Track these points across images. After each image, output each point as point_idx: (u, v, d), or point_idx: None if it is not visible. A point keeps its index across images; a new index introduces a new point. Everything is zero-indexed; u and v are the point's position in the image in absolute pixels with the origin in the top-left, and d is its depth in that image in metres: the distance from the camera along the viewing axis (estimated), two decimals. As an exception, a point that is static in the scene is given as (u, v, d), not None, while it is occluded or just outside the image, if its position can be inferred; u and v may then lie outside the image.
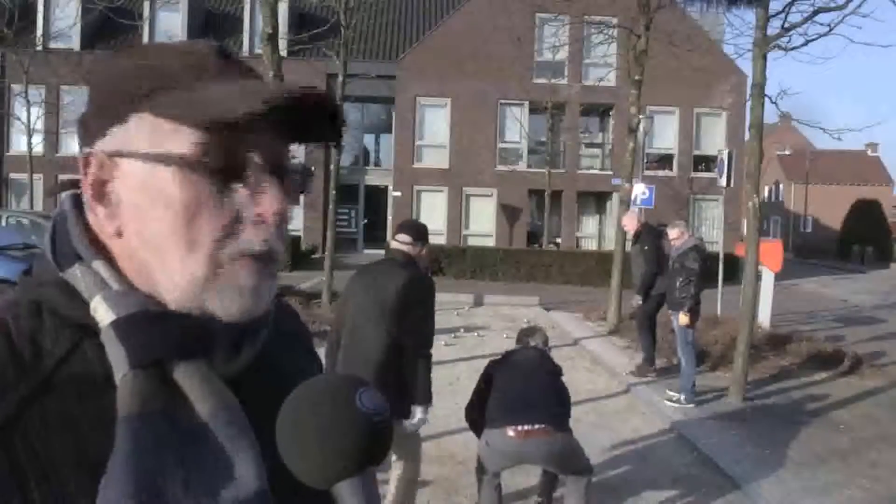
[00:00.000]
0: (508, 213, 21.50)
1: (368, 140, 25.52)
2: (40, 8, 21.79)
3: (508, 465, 3.56)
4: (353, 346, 3.32)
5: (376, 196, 23.59)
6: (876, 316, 13.85)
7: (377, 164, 24.81)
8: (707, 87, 20.15)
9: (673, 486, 4.77)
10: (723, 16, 10.89)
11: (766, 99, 6.98)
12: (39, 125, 18.34)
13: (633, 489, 4.68)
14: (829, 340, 9.60)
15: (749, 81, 7.64)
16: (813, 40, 7.13)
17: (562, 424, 3.51)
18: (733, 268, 14.38)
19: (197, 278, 0.61)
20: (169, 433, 0.57)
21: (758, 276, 7.44)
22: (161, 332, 0.60)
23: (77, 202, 0.68)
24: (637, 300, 7.89)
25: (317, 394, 0.58)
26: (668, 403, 6.62)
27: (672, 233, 7.11)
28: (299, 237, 21.18)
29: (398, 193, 21.52)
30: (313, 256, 20.55)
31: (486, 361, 3.97)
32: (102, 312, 0.60)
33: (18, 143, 20.81)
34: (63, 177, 20.92)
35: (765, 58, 6.80)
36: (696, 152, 21.92)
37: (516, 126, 21.35)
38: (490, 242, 20.82)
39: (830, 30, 7.08)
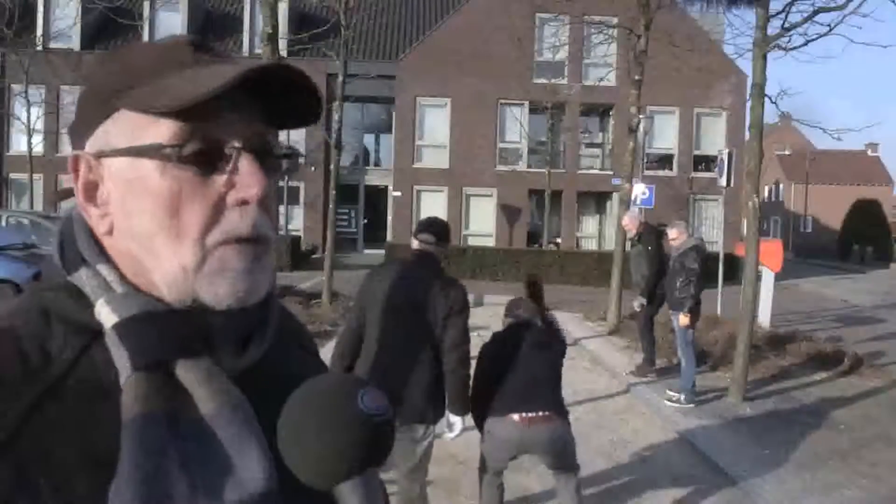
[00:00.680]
0: (508, 213, 21.50)
1: (368, 140, 25.52)
2: (40, 8, 21.79)
3: (512, 454, 3.50)
4: (385, 352, 3.19)
5: (376, 196, 23.60)
6: (876, 316, 13.85)
7: (377, 164, 24.81)
8: (707, 87, 20.15)
9: (673, 486, 4.77)
10: (723, 16, 10.89)
11: (766, 99, 6.97)
12: (39, 125, 18.32)
13: (633, 489, 4.68)
14: (829, 340, 9.59)
15: (749, 81, 7.64)
16: (813, 40, 7.13)
17: (563, 410, 3.50)
18: (733, 268, 14.38)
19: (186, 268, 0.61)
20: (174, 434, 0.57)
21: (758, 276, 7.43)
22: (163, 332, 0.60)
23: None
24: (639, 301, 7.82)
25: (318, 394, 0.58)
26: (668, 403, 6.61)
27: (671, 233, 7.11)
28: (299, 237, 21.18)
29: (398, 193, 21.52)
30: (313, 256, 20.55)
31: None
32: (106, 315, 0.61)
33: (18, 143, 20.81)
34: (63, 178, 20.87)
35: (765, 58, 6.80)
36: (696, 152, 21.92)
37: (516, 126, 21.35)
38: (490, 242, 20.82)
39: (830, 30, 7.08)
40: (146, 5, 22.32)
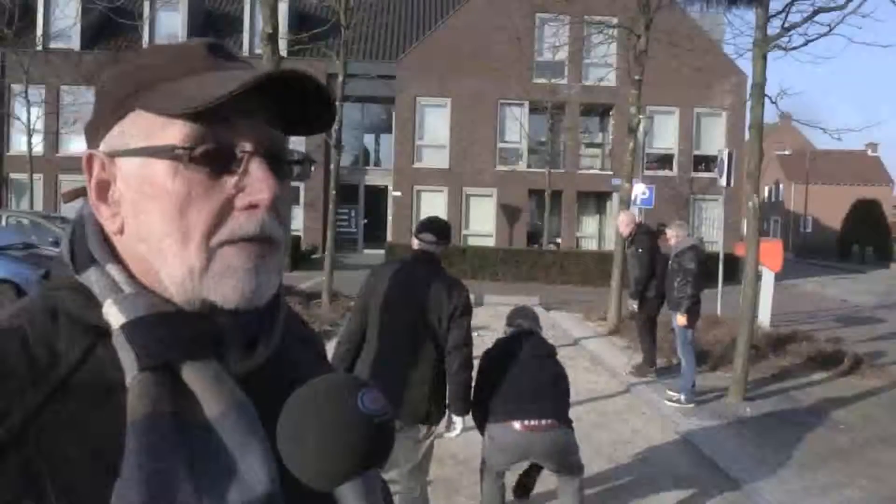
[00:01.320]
0: (508, 213, 21.50)
1: (368, 140, 25.51)
2: (40, 8, 21.78)
3: (513, 460, 3.52)
4: (387, 352, 3.19)
5: (376, 196, 23.59)
6: (876, 316, 13.85)
7: (377, 164, 24.80)
8: (707, 87, 20.15)
9: (673, 486, 4.77)
10: (723, 16, 10.89)
11: (766, 99, 6.97)
12: (39, 125, 18.31)
13: (633, 489, 4.68)
14: (829, 340, 9.59)
15: (749, 81, 7.64)
16: (813, 40, 7.13)
17: (565, 417, 3.51)
18: (733, 268, 14.37)
19: (193, 269, 0.62)
20: (179, 435, 0.57)
21: (758, 276, 7.44)
22: (170, 333, 0.61)
23: None
24: (632, 304, 7.90)
25: (318, 394, 0.58)
26: (668, 403, 6.62)
27: (669, 233, 7.11)
28: (299, 237, 21.17)
29: (398, 193, 21.52)
30: (313, 256, 20.55)
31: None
32: (113, 315, 0.61)
33: (18, 143, 20.79)
34: (63, 178, 20.83)
35: (765, 58, 6.80)
36: (696, 152, 21.91)
37: (516, 126, 21.34)
38: (490, 242, 20.82)
39: (830, 30, 7.08)
40: (146, 5, 22.30)
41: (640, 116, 11.46)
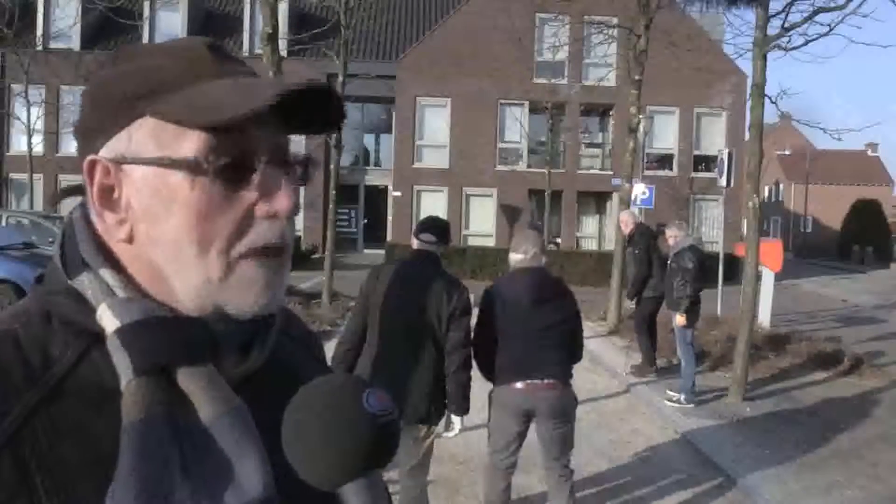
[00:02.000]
0: (508, 213, 21.49)
1: (368, 140, 25.52)
2: (40, 8, 21.79)
3: (519, 420, 3.48)
4: (387, 352, 3.19)
5: (376, 196, 23.60)
6: (876, 316, 13.85)
7: (377, 164, 24.81)
8: (707, 87, 20.14)
9: (673, 486, 4.77)
10: (723, 16, 10.86)
11: (766, 99, 6.98)
12: (39, 125, 18.30)
13: (632, 489, 4.68)
14: (829, 340, 9.59)
15: (749, 81, 7.63)
16: (813, 40, 7.13)
17: (566, 378, 3.51)
18: (733, 268, 14.37)
19: (211, 278, 0.62)
20: (174, 439, 0.57)
21: (758, 276, 7.44)
22: (165, 337, 0.60)
23: (85, 210, 0.68)
24: (630, 304, 7.93)
25: (322, 394, 0.58)
26: (668, 403, 6.61)
27: (668, 233, 7.11)
28: (299, 237, 21.17)
29: (398, 193, 21.52)
30: (313, 256, 20.55)
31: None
32: (108, 320, 0.61)
33: (18, 143, 20.81)
34: (63, 178, 20.86)
35: (765, 58, 6.80)
36: (696, 152, 21.91)
37: (516, 126, 21.34)
38: (490, 242, 20.81)
39: (830, 30, 7.08)
40: (146, 5, 22.31)
41: (640, 116, 11.45)
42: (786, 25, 6.98)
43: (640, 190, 13.14)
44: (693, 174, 21.50)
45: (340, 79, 11.06)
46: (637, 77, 10.70)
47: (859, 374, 8.02)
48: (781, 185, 47.88)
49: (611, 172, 21.05)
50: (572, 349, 3.58)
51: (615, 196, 18.20)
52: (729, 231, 19.02)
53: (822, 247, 39.82)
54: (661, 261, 7.56)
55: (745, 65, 27.75)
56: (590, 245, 22.92)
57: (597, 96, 21.13)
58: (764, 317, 10.32)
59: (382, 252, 19.81)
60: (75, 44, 21.90)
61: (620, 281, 10.59)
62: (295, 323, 0.84)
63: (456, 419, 3.29)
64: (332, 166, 11.38)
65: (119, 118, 0.63)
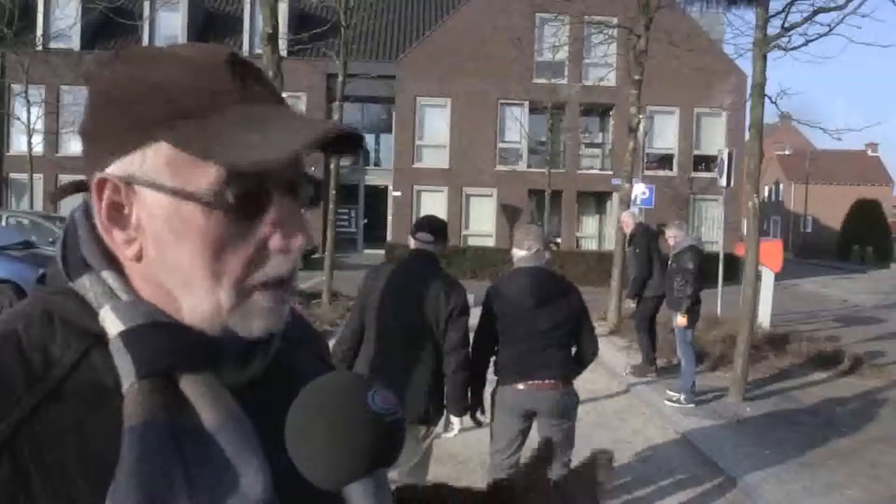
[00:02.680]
0: (508, 213, 21.49)
1: (368, 140, 25.50)
2: (40, 8, 21.79)
3: (522, 418, 3.49)
4: (385, 352, 3.19)
5: (376, 196, 23.59)
6: (876, 316, 13.85)
7: (377, 164, 24.80)
8: (707, 87, 20.14)
9: (673, 486, 4.77)
10: (723, 16, 10.86)
11: (766, 99, 6.97)
12: (39, 125, 18.30)
13: (632, 489, 4.68)
14: (829, 340, 9.59)
15: (749, 81, 7.63)
16: (813, 40, 7.12)
17: (569, 377, 3.51)
18: (733, 268, 14.36)
19: (222, 306, 0.62)
20: (175, 443, 0.57)
21: (758, 276, 7.44)
22: (169, 342, 0.60)
23: (87, 211, 0.67)
24: (629, 303, 7.94)
25: (327, 393, 0.58)
26: (668, 403, 6.61)
27: (668, 233, 7.11)
28: (299, 237, 21.15)
29: (398, 193, 21.51)
30: (313, 256, 20.53)
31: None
32: (111, 322, 0.61)
33: (18, 143, 20.80)
34: (63, 178, 20.89)
35: (765, 58, 6.79)
36: (696, 152, 21.91)
37: (516, 126, 21.34)
38: (490, 242, 20.81)
39: (830, 30, 7.07)
40: (146, 5, 22.30)
41: (640, 116, 11.45)
42: (786, 25, 6.98)
43: (640, 190, 13.14)
44: (693, 174, 21.49)
45: (340, 79, 11.05)
46: (637, 77, 10.70)
47: (859, 374, 8.03)
48: (781, 185, 47.86)
49: (611, 172, 21.04)
50: (580, 346, 3.58)
51: (615, 196, 18.19)
52: (729, 231, 19.00)
53: (822, 247, 39.80)
54: (662, 261, 7.56)
55: (745, 65, 27.72)
56: (590, 245, 22.92)
57: (597, 96, 21.13)
58: (764, 317, 10.32)
59: (382, 252, 19.80)
60: (75, 44, 21.89)
61: (620, 281, 10.58)
62: (300, 325, 0.84)
63: (455, 419, 3.29)
64: (332, 166, 11.39)
65: (132, 138, 0.60)
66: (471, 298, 3.43)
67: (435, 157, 21.70)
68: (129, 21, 17.81)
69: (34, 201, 18.18)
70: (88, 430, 0.58)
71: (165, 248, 0.61)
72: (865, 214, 36.64)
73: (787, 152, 47.62)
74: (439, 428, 3.32)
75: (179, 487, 0.56)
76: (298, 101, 21.27)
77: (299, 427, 0.57)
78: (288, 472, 0.57)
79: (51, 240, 12.07)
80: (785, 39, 7.02)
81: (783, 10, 7.04)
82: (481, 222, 21.75)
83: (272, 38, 7.77)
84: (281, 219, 0.62)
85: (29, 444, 0.56)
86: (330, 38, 14.33)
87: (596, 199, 22.95)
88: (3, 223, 13.51)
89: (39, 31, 21.17)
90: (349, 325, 3.41)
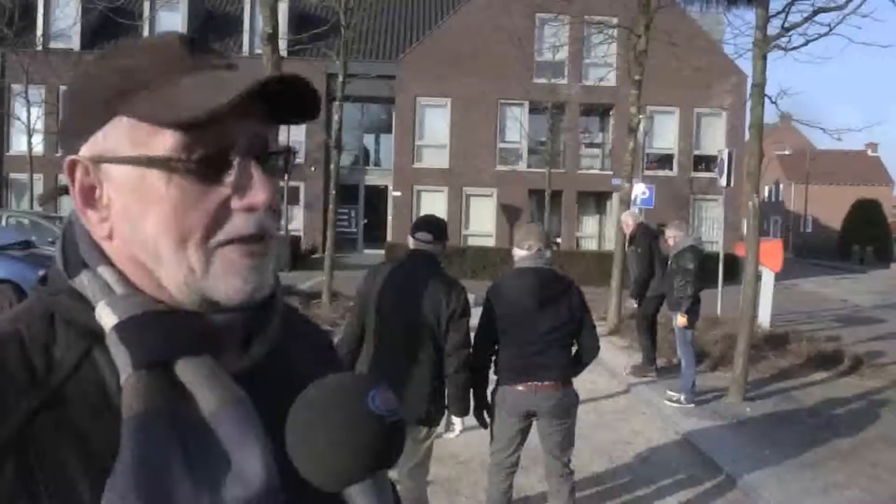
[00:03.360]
0: (508, 213, 21.49)
1: (368, 140, 25.51)
2: (40, 8, 21.77)
3: (522, 418, 3.49)
4: (385, 352, 3.19)
5: (376, 196, 23.58)
6: (876, 316, 13.84)
7: (377, 164, 24.80)
8: (707, 87, 20.13)
9: (673, 486, 4.77)
10: (723, 16, 10.89)
11: (766, 99, 6.97)
12: (39, 125, 18.29)
13: (632, 489, 4.68)
14: (829, 340, 9.59)
15: (749, 81, 7.63)
16: (813, 40, 7.12)
17: (569, 377, 3.51)
18: (733, 268, 14.37)
19: (194, 269, 0.62)
20: (175, 430, 0.57)
21: (758, 276, 7.44)
22: (163, 332, 0.61)
23: None
24: (631, 303, 7.94)
25: (328, 393, 0.57)
26: (668, 403, 6.61)
27: (668, 233, 7.11)
28: (299, 237, 21.17)
29: (398, 193, 21.51)
30: (313, 256, 20.54)
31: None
32: (106, 317, 0.61)
33: (18, 143, 20.78)
34: (63, 178, 21.11)
35: (765, 58, 6.79)
36: (696, 152, 21.90)
37: (516, 126, 21.34)
38: (490, 242, 20.81)
39: (830, 30, 7.07)
40: (146, 5, 22.29)
41: (640, 116, 11.45)
42: (786, 25, 6.98)
43: (640, 190, 13.14)
44: (693, 174, 21.49)
45: (340, 79, 11.04)
46: (637, 77, 10.69)
47: (859, 374, 8.02)
48: (781, 185, 47.87)
49: (611, 172, 21.03)
50: (582, 344, 3.58)
51: (615, 196, 18.19)
52: (729, 231, 19.02)
53: (822, 247, 39.80)
54: (663, 261, 7.56)
55: (745, 65, 27.74)
56: (590, 245, 22.91)
57: (597, 96, 21.13)
58: (764, 317, 10.32)
59: (382, 252, 19.79)
60: (75, 44, 21.88)
61: (620, 281, 10.59)
62: (297, 317, 0.84)
63: (456, 420, 3.29)
64: (332, 166, 11.38)
65: (96, 118, 0.63)
66: (471, 298, 3.42)
67: (435, 157, 21.70)
68: (129, 21, 17.80)
69: (34, 201, 18.17)
70: (92, 429, 0.58)
71: (132, 220, 0.63)
72: (865, 214, 36.63)
73: (787, 152, 47.62)
74: (441, 428, 3.32)
75: (180, 475, 0.56)
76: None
77: (299, 428, 0.56)
78: (290, 463, 0.57)
79: (51, 240, 12.06)
80: (785, 39, 7.03)
81: (783, 11, 7.04)
82: (481, 222, 21.75)
83: (272, 38, 7.78)
84: (242, 179, 0.63)
85: (33, 444, 0.56)
86: (330, 38, 14.34)
87: (596, 199, 22.95)
88: (3, 223, 13.51)
89: (39, 31, 21.15)
90: (349, 327, 3.40)
